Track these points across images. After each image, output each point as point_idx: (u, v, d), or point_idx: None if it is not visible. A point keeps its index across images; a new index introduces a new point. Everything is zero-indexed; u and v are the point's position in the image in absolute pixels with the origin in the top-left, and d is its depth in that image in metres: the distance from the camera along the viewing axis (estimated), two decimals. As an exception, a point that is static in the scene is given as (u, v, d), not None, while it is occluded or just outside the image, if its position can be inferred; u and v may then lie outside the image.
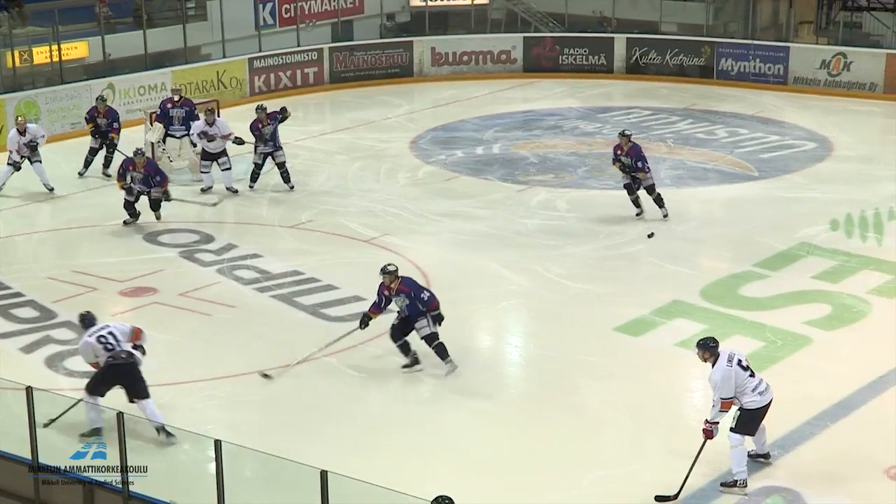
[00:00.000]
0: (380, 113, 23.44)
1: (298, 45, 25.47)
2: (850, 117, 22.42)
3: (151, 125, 18.74)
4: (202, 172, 17.77)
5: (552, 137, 21.26)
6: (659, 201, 16.39)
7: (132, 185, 15.86)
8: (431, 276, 14.26)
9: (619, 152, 16.27)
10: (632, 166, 16.12)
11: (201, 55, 24.52)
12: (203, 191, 17.72)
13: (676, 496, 9.40)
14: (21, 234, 16.04)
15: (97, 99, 19.07)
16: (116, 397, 10.26)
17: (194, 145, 18.37)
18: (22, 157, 17.51)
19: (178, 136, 18.59)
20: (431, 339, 11.70)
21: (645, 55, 26.24)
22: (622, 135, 16.35)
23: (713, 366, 9.63)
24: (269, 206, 17.31)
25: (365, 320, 11.97)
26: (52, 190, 17.68)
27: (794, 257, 14.92)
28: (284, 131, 18.37)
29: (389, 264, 11.90)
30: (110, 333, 10.50)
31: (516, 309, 13.93)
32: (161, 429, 10.05)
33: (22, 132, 17.45)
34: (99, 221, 16.70)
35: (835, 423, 10.62)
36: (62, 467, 8.94)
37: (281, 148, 17.74)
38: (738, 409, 9.61)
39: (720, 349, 9.71)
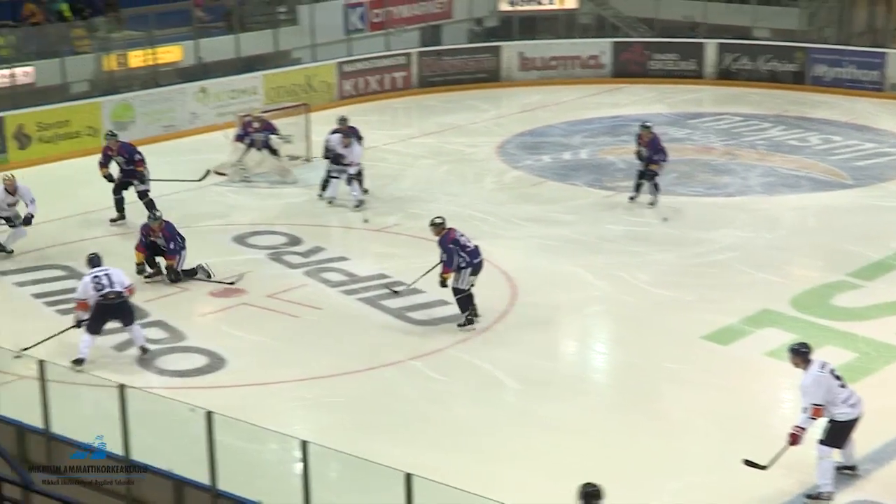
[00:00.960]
0: (467, 117, 23.49)
1: (387, 50, 25.64)
2: (948, 125, 21.96)
3: (234, 145, 18.91)
4: (332, 177, 17.54)
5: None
6: (654, 189, 17.00)
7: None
8: (516, 281, 14.28)
9: (639, 142, 17.06)
10: (647, 158, 16.81)
11: (291, 59, 24.82)
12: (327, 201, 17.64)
13: (765, 467, 9.38)
14: (114, 234, 16.37)
15: (107, 136, 17.10)
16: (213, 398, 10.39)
17: (275, 153, 18.61)
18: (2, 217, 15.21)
19: (258, 145, 18.77)
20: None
21: (736, 61, 25.93)
22: (643, 126, 17.14)
23: (805, 371, 9.52)
24: (355, 210, 17.43)
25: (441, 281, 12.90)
26: (10, 252, 15.40)
27: (889, 267, 14.64)
28: (372, 135, 18.51)
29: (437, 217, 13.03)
30: (105, 275, 12.12)
31: (601, 315, 13.87)
32: (142, 349, 12.24)
33: (11, 192, 15.15)
34: (190, 223, 16.94)
35: (928, 437, 10.41)
36: (154, 465, 9.11)
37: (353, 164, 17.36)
38: (828, 422, 9.47)
39: (812, 356, 9.59)
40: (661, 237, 16.00)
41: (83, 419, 9.90)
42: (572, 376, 12.20)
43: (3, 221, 15.37)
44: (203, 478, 8.76)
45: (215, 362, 12.24)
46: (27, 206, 15.19)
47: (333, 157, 17.38)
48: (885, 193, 17.95)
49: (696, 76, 26.13)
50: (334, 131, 17.71)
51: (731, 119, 22.91)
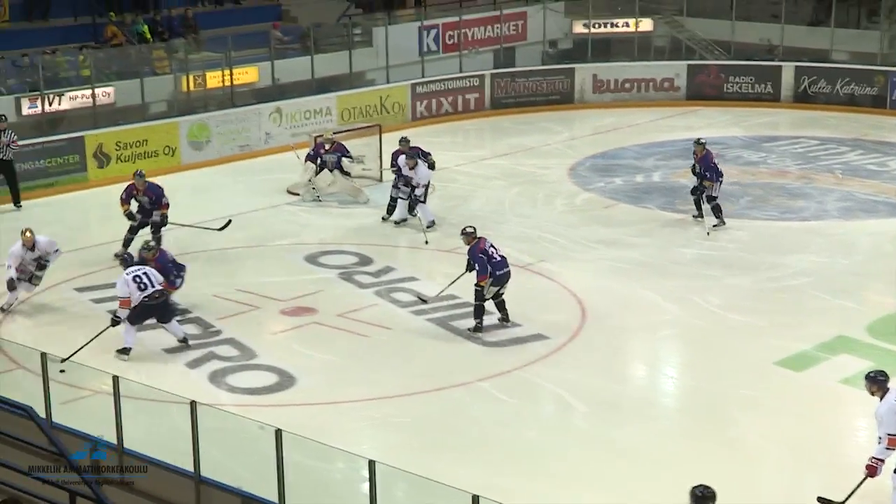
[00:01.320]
0: (539, 139, 23.47)
1: (461, 71, 25.74)
2: None
3: (305, 164, 19.02)
4: (399, 198, 17.54)
5: (715, 166, 20.93)
6: (716, 210, 17.03)
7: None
8: (587, 303, 14.22)
9: (693, 158, 17.25)
10: (700, 174, 16.92)
11: (365, 80, 25.01)
12: (396, 223, 17.63)
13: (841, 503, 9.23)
14: (189, 252, 16.57)
15: (135, 174, 16.25)
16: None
17: (347, 174, 18.76)
18: (24, 276, 14.07)
19: (329, 166, 18.86)
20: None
21: (814, 84, 25.63)
22: (697, 142, 17.34)
23: (881, 400, 9.34)
24: (426, 230, 17.48)
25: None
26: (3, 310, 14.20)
27: (969, 295, 14.35)
28: (443, 156, 18.54)
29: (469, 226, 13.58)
30: (145, 274, 12.65)
31: (672, 339, 13.75)
32: (183, 339, 12.93)
33: (31, 247, 14.05)
34: (262, 241, 17.17)
35: None
36: (223, 482, 9.20)
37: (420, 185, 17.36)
38: None
39: (890, 384, 9.41)
40: (735, 261, 15.83)
41: (155, 435, 10.02)
42: (642, 400, 12.10)
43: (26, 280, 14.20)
44: (272, 495, 8.82)
45: (285, 380, 12.33)
46: (50, 258, 14.25)
47: (400, 177, 17.42)
48: (966, 219, 17.62)
49: (772, 99, 25.87)
50: (397, 152, 17.76)
51: (808, 143, 22.63)
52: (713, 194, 16.99)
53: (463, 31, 26.33)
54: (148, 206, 16.03)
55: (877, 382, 9.46)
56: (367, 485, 8.46)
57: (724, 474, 10.20)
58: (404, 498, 9.20)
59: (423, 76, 25.18)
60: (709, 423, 11.34)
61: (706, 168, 16.96)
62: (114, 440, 9.50)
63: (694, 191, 17.24)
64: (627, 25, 27.86)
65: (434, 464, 9.90)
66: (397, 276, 15.45)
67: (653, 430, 11.28)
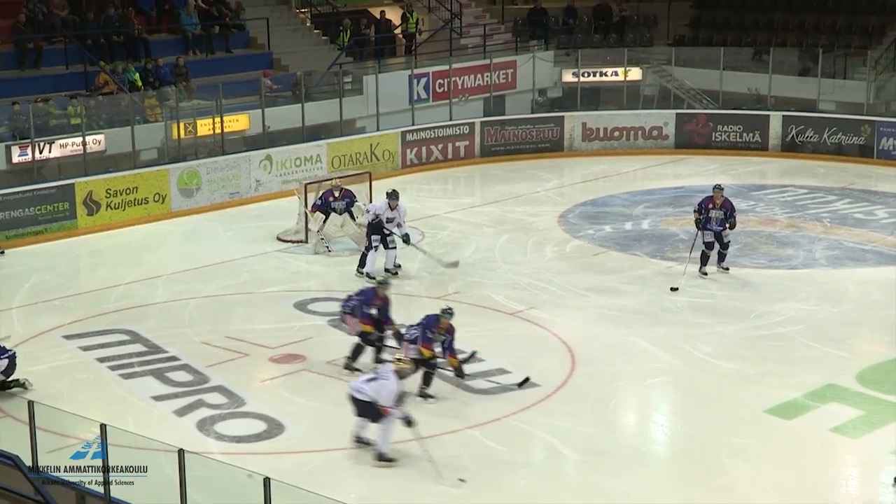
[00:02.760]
0: (529, 186, 23.56)
1: (451, 119, 25.88)
2: None
3: (312, 215, 18.79)
4: (372, 248, 17.39)
5: (703, 214, 21.00)
6: (723, 254, 17.09)
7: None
8: (577, 351, 14.21)
9: (710, 205, 16.97)
10: (723, 219, 16.84)
11: (356, 128, 25.12)
12: (368, 275, 17.28)
13: None
14: (178, 299, 16.56)
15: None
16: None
17: (355, 218, 18.74)
18: None
19: (339, 212, 18.74)
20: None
21: (801, 133, 25.81)
22: (717, 188, 17.13)
23: None
24: (416, 278, 17.50)
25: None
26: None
27: (958, 343, 14.37)
28: (433, 203, 18.57)
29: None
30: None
31: (663, 387, 13.72)
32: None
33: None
34: (252, 289, 17.14)
35: None
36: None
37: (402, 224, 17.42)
38: None
39: None
40: (724, 309, 15.85)
41: (143, 483, 9.93)
42: (633, 448, 12.05)
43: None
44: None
45: (274, 428, 12.26)
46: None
47: (378, 223, 17.26)
48: (954, 268, 17.67)
49: (760, 148, 26.03)
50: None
51: (796, 191, 22.75)
52: (729, 239, 17.11)
53: (453, 79, 26.51)
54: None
55: None
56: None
57: (716, 523, 10.19)
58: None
59: (413, 124, 25.31)
60: (700, 471, 11.30)
61: (732, 212, 17.01)
62: (100, 489, 9.42)
63: (710, 245, 17.02)
64: (616, 74, 28.08)
65: (423, 513, 9.83)
66: (387, 324, 15.40)
67: (644, 478, 11.23)
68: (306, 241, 19.19)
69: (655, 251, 18.75)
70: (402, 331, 13.50)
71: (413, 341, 12.88)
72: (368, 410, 11.33)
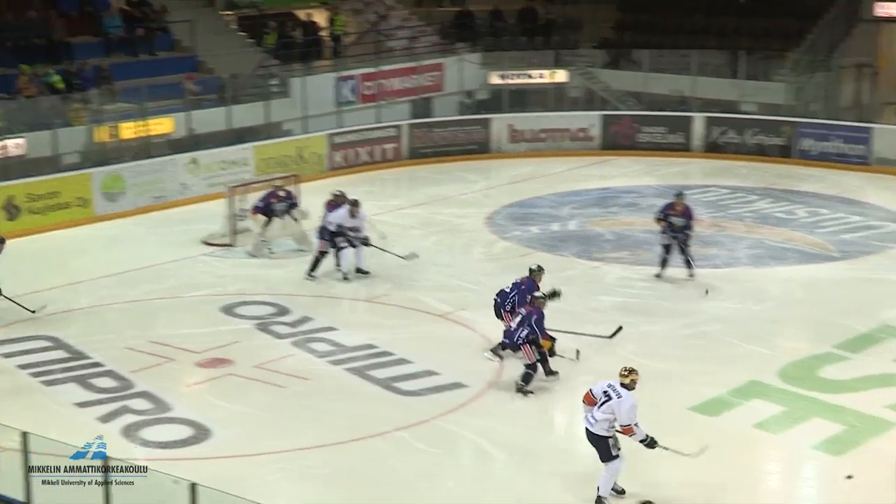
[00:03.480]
0: (456, 188, 23.60)
1: (378, 122, 25.83)
2: (933, 198, 22.10)
3: (254, 217, 18.75)
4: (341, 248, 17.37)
5: (629, 215, 21.21)
6: (689, 263, 16.98)
7: None
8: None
9: (671, 212, 17.00)
10: (684, 225, 16.86)
11: (283, 131, 24.97)
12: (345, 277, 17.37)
13: None
14: (102, 304, 16.33)
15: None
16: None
17: (296, 220, 18.65)
18: None
19: (280, 213, 18.68)
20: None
21: (724, 134, 26.18)
22: (678, 195, 17.24)
23: None
24: (344, 281, 17.42)
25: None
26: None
27: (876, 339, 14.64)
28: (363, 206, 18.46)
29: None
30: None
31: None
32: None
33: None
34: (178, 293, 16.96)
35: (918, 510, 10.33)
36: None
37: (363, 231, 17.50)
38: None
39: None
40: (650, 309, 15.99)
41: (65, 491, 9.76)
42: (562, 450, 12.11)
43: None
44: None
45: (200, 433, 12.13)
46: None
47: (338, 232, 17.20)
48: (872, 266, 18.01)
49: (683, 149, 26.35)
50: (335, 205, 17.51)
51: (719, 191, 23.05)
52: (688, 243, 17.08)
53: (380, 81, 26.46)
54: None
55: None
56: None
57: (643, 520, 10.28)
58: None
59: (340, 127, 25.21)
60: (627, 470, 11.34)
61: (691, 218, 17.01)
62: (22, 497, 9.25)
63: (667, 249, 17.04)
64: (542, 77, 28.28)
65: (352, 516, 9.79)
66: (315, 326, 15.35)
67: (572, 477, 11.28)
68: (233, 245, 19.04)
69: (582, 252, 18.87)
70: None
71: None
72: (602, 446, 10.46)
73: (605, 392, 10.40)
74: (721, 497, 10.70)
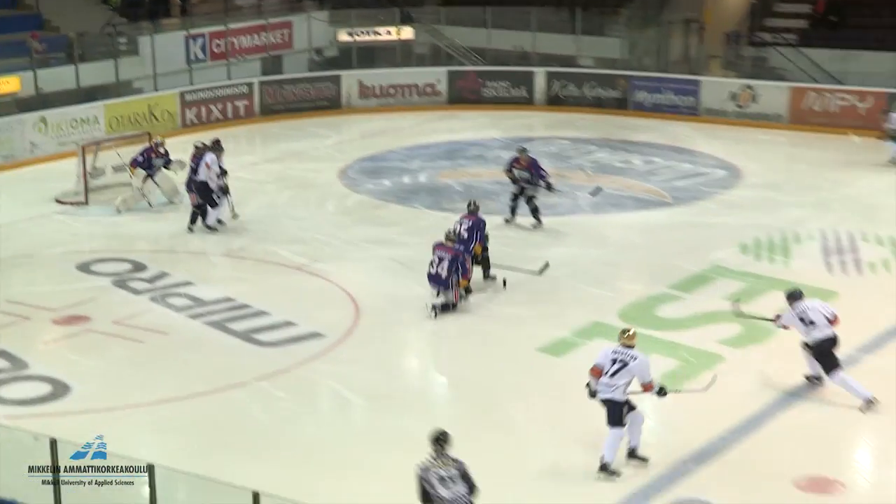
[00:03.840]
0: (309, 144, 23.40)
1: (229, 79, 25.38)
2: (757, 146, 22.84)
3: (133, 171, 18.33)
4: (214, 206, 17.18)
5: (476, 167, 21.39)
6: (536, 212, 17.22)
7: None
8: (360, 301, 14.27)
9: (516, 165, 17.33)
10: (528, 178, 17.15)
11: (133, 89, 24.32)
12: (219, 222, 17.30)
13: None
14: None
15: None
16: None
17: (176, 172, 18.44)
18: None
19: (157, 168, 18.40)
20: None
21: (564, 88, 26.55)
22: (521, 150, 17.48)
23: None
24: (201, 235, 17.17)
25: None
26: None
27: (707, 279, 15.12)
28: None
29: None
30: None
31: (442, 332, 13.92)
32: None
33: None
34: (32, 252, 16.45)
35: (747, 436, 10.78)
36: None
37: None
38: None
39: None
40: (497, 255, 16.12)
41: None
42: (416, 391, 12.24)
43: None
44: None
45: (59, 389, 11.85)
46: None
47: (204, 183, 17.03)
48: (702, 211, 18.58)
49: (526, 102, 26.64)
50: (199, 157, 17.23)
51: (561, 143, 23.39)
52: (535, 195, 17.27)
53: (230, 39, 25.97)
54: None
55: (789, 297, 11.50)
56: (146, 489, 8.25)
57: (495, 454, 10.46)
58: (186, 499, 9.01)
59: (191, 84, 24.68)
60: (478, 408, 11.56)
61: (537, 173, 17.16)
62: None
63: (515, 197, 17.32)
64: (390, 34, 28.14)
65: (215, 464, 9.73)
66: (172, 282, 15.09)
67: (427, 418, 11.34)
68: (86, 203, 18.55)
69: (433, 203, 18.98)
70: None
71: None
72: (617, 411, 10.13)
73: (613, 360, 10.12)
74: (566, 429, 10.94)
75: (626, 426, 10.13)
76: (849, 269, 15.53)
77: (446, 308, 13.82)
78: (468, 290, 14.06)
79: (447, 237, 14.05)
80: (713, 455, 10.41)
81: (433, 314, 13.71)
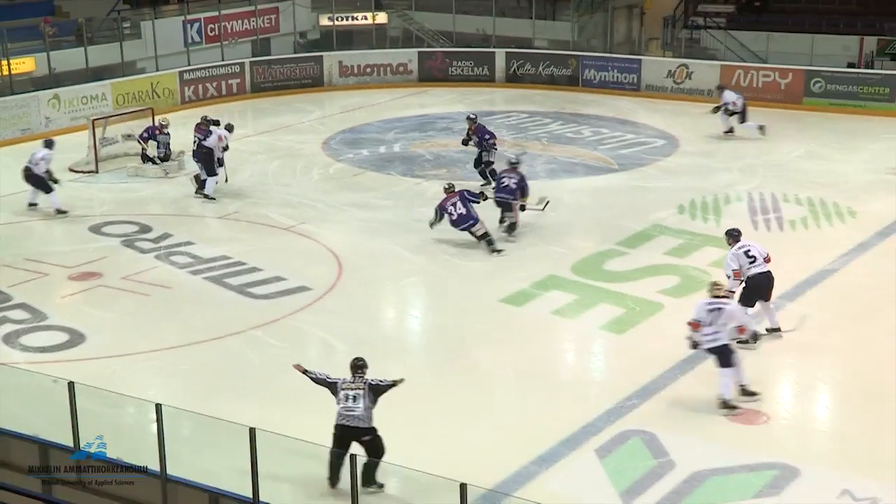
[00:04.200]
0: (295, 118, 23.18)
1: (223, 60, 25.08)
2: (692, 119, 22.80)
3: (146, 144, 18.33)
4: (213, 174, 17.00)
5: (444, 138, 21.26)
6: (492, 174, 16.84)
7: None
8: (343, 258, 14.22)
9: (469, 133, 17.49)
10: (479, 143, 17.24)
11: (137, 69, 23.98)
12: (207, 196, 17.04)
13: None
14: (19, 221, 15.52)
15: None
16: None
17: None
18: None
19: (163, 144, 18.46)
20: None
21: (521, 67, 26.39)
22: (469, 118, 17.69)
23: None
24: (200, 200, 17.00)
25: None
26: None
27: (649, 236, 15.16)
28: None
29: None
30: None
31: (416, 285, 13.93)
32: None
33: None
34: (48, 215, 16.24)
35: (683, 375, 10.85)
36: (20, 431, 8.71)
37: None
38: None
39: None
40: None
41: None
42: (393, 339, 12.23)
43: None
44: (68, 441, 8.43)
45: (76, 338, 11.76)
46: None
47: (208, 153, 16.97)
48: (645, 176, 18.58)
49: (489, 80, 26.48)
50: (209, 125, 17.27)
51: (519, 116, 23.30)
52: (491, 160, 17.24)
53: (223, 24, 25.64)
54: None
55: (730, 236, 11.52)
56: (155, 426, 8.21)
57: (464, 397, 10.51)
58: (190, 435, 8.98)
59: (189, 64, 24.36)
60: (448, 355, 11.58)
61: (483, 135, 17.21)
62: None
63: (476, 163, 17.33)
64: (366, 18, 27.87)
65: (215, 404, 9.68)
66: (174, 242, 14.96)
67: (403, 363, 11.36)
68: (97, 172, 18.33)
69: (406, 171, 18.87)
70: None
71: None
72: (726, 353, 10.11)
73: (710, 311, 10.09)
74: (527, 372, 10.99)
75: (734, 367, 10.10)
76: (772, 226, 15.60)
77: (512, 228, 14.85)
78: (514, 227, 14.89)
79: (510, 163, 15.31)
80: (654, 391, 10.47)
81: (508, 232, 14.86)
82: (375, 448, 8.63)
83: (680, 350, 11.28)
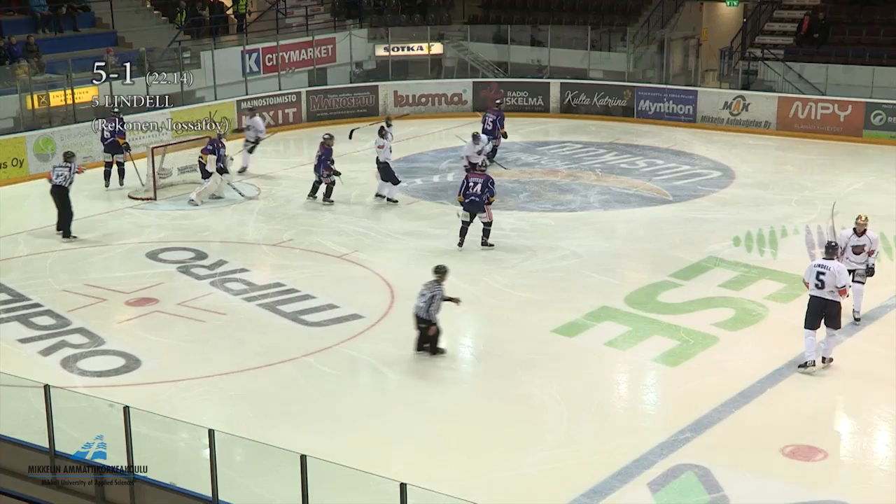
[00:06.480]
0: (350, 147, 23.28)
1: (280, 89, 25.42)
2: (748, 150, 22.65)
3: (206, 159, 18.66)
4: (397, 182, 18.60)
5: (497, 168, 21.28)
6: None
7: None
8: (395, 286, 14.27)
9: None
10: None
11: (196, 98, 24.38)
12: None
13: None
14: (39, 252, 15.84)
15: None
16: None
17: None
18: None
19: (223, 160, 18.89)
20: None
21: (576, 97, 26.41)
22: (496, 103, 18.69)
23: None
24: (254, 227, 17.22)
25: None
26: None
27: (703, 268, 15.03)
28: (268, 163, 18.25)
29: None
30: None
31: (468, 314, 13.86)
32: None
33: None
34: (107, 242, 16.54)
35: (738, 409, 10.70)
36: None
37: None
38: None
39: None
40: (516, 247, 16.13)
41: (11, 416, 9.51)
42: (444, 367, 12.19)
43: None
44: (122, 464, 8.54)
45: (132, 363, 11.92)
46: None
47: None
48: (699, 207, 18.44)
49: (542, 110, 26.52)
50: (327, 147, 18.52)
51: (573, 146, 23.28)
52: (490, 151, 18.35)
53: (280, 54, 26.00)
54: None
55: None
56: (207, 451, 8.28)
57: (515, 426, 10.45)
58: (242, 462, 9.04)
59: (246, 93, 24.73)
60: (500, 383, 11.54)
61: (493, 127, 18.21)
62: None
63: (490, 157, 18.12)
64: (422, 49, 28.09)
65: (266, 431, 9.75)
66: (229, 269, 15.13)
67: (454, 391, 11.42)
68: (155, 199, 18.63)
69: (458, 200, 18.91)
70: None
71: None
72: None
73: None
74: (578, 403, 10.92)
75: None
76: (830, 260, 15.36)
77: (487, 232, 15.75)
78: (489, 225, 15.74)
79: (479, 167, 16.48)
80: (708, 425, 10.34)
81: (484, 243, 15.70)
82: (424, 333, 11.85)
83: (735, 383, 11.17)
